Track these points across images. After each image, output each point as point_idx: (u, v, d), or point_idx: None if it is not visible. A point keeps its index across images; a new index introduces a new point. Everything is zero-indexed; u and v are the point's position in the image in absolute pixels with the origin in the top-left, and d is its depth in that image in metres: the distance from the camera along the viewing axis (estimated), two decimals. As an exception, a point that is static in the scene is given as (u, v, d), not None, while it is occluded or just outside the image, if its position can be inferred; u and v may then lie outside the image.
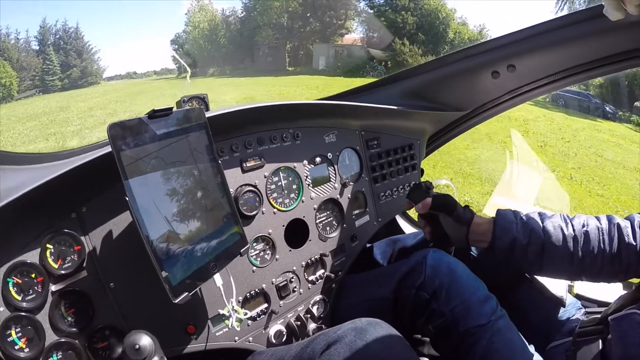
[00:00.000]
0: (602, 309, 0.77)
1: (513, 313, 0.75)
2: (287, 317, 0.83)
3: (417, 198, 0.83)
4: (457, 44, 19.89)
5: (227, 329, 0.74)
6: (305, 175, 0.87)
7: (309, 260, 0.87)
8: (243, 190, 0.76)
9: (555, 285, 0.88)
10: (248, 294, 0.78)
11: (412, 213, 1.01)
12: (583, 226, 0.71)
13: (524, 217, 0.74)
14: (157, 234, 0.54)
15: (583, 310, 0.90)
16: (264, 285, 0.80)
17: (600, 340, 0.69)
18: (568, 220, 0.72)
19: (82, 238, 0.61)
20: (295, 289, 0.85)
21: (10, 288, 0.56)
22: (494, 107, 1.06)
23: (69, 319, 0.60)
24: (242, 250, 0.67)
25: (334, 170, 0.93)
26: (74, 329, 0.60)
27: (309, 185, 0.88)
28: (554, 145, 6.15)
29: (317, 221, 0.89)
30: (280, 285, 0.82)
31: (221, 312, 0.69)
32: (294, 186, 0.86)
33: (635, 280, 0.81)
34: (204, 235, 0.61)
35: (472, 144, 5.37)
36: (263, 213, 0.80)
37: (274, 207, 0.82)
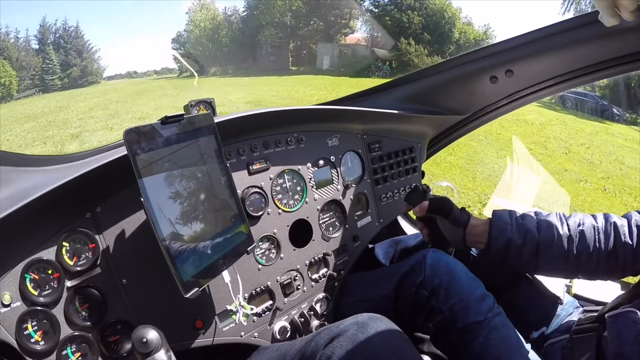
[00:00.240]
0: (599, 308, 0.78)
1: (511, 311, 0.76)
2: (291, 314, 0.86)
3: (414, 201, 0.86)
4: (462, 44, 19.66)
5: (233, 325, 0.76)
6: (309, 177, 0.90)
7: (312, 259, 0.90)
8: (249, 191, 0.79)
9: (553, 284, 0.89)
10: (254, 291, 0.81)
11: (413, 214, 1.04)
12: (579, 225, 0.71)
13: (519, 218, 0.76)
14: (169, 233, 0.57)
15: (581, 309, 0.91)
16: (269, 283, 0.82)
17: (595, 338, 0.70)
18: (564, 220, 0.73)
19: (97, 237, 0.64)
20: (299, 287, 0.88)
21: (28, 283, 0.59)
22: (493, 111, 1.08)
23: (83, 313, 0.63)
24: (249, 249, 0.70)
25: (337, 172, 0.96)
26: (87, 323, 0.63)
27: (312, 187, 0.91)
28: (577, 152, 6.08)
29: (321, 222, 0.92)
30: (285, 283, 0.85)
31: (229, 307, 0.72)
32: (298, 188, 0.89)
33: (631, 280, 0.83)
34: (213, 234, 0.64)
35: (500, 152, 5.20)
36: (268, 213, 0.83)
37: (279, 208, 0.85)
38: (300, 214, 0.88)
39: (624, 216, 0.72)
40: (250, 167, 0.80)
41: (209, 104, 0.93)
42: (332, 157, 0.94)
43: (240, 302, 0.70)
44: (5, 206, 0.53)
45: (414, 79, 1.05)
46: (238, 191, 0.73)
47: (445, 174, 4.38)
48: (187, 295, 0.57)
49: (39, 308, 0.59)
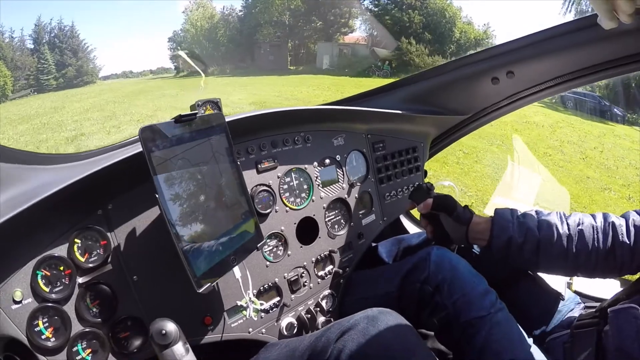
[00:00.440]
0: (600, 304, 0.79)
1: (513, 306, 0.78)
2: (297, 310, 0.87)
3: (418, 199, 0.88)
4: (463, 44, 19.60)
5: (242, 321, 0.77)
6: (316, 176, 0.91)
7: (318, 257, 0.91)
8: (258, 189, 0.80)
9: (555, 281, 0.91)
10: (262, 288, 0.82)
11: (416, 213, 1.06)
12: (578, 224, 0.73)
13: (520, 216, 0.77)
14: (183, 229, 0.58)
15: (582, 304, 0.92)
16: (276, 280, 0.84)
17: (596, 333, 0.71)
18: (564, 219, 0.75)
19: (108, 233, 0.65)
20: (305, 284, 0.89)
21: (39, 280, 0.59)
22: (494, 112, 1.11)
23: (94, 309, 0.64)
24: (258, 245, 0.71)
25: (342, 171, 0.97)
26: (98, 320, 0.63)
27: (318, 185, 0.92)
28: (592, 156, 6.00)
29: (326, 219, 0.93)
30: (292, 279, 0.86)
31: (239, 303, 0.73)
32: (305, 186, 0.90)
33: (630, 277, 0.85)
34: (224, 230, 0.65)
35: None
36: (276, 211, 0.84)
37: (287, 206, 0.86)
38: (307, 211, 0.89)
39: (622, 216, 0.73)
40: (259, 166, 0.81)
41: (216, 104, 0.94)
42: (337, 156, 0.96)
43: (250, 298, 0.71)
44: (17, 203, 0.53)
45: (417, 80, 1.07)
46: (247, 189, 0.74)
47: (477, 184, 4.24)
48: (200, 291, 0.58)
49: (50, 305, 0.59)
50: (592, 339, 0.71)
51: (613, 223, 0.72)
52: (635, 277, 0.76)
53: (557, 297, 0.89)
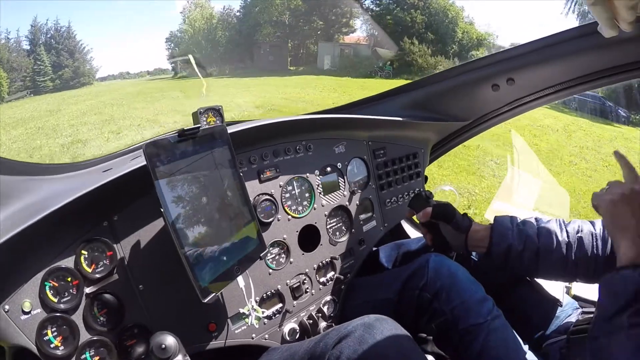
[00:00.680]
0: None
1: (512, 313, 0.79)
2: (300, 316, 0.89)
3: (417, 207, 0.88)
4: (465, 44, 19.32)
5: (245, 327, 0.79)
6: (317, 184, 0.93)
7: (320, 263, 0.93)
8: (261, 199, 0.81)
9: (553, 286, 0.92)
10: (264, 295, 0.83)
11: (417, 219, 1.07)
12: (577, 232, 0.74)
13: (520, 224, 0.78)
14: (188, 241, 0.59)
15: (580, 310, 0.93)
16: (279, 287, 0.85)
17: None
18: (563, 226, 0.76)
19: (114, 244, 0.66)
20: (307, 290, 0.90)
21: (47, 291, 0.61)
22: (494, 118, 1.11)
23: (102, 318, 0.65)
24: (261, 255, 0.73)
25: (343, 179, 0.98)
26: (105, 328, 0.65)
27: (320, 193, 0.93)
28: (614, 164, 5.71)
29: (328, 227, 0.95)
30: (294, 286, 0.87)
31: (242, 310, 0.74)
32: (307, 194, 0.91)
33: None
34: (228, 241, 0.66)
35: (552, 168, 4.92)
36: (279, 220, 0.85)
37: (289, 214, 0.87)
38: (309, 219, 0.90)
39: None
40: (261, 175, 0.83)
41: (217, 111, 0.95)
42: (338, 164, 0.97)
43: (252, 306, 0.73)
44: (25, 217, 0.54)
45: (417, 87, 1.08)
46: (250, 198, 0.75)
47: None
48: (205, 301, 0.59)
49: (58, 314, 0.61)
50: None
51: None
52: None
53: (555, 303, 0.90)
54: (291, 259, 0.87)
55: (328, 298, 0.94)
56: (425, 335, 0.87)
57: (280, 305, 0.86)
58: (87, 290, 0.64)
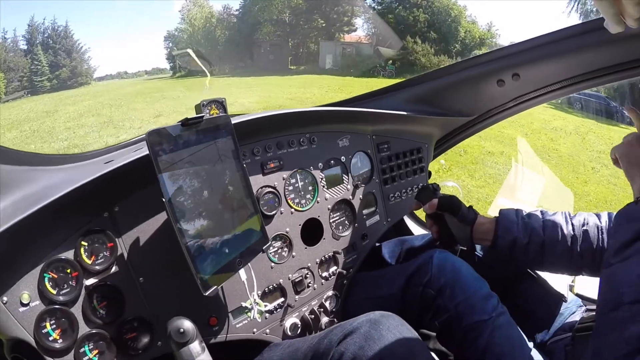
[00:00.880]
0: None
1: (516, 310, 0.78)
2: (301, 311, 0.88)
3: (424, 199, 0.88)
4: (468, 43, 19.22)
5: (246, 321, 0.78)
6: (320, 177, 0.92)
7: (322, 258, 0.92)
8: (264, 191, 0.80)
9: (557, 283, 0.91)
10: (266, 289, 0.82)
11: (420, 214, 1.06)
12: (583, 225, 0.74)
13: (525, 217, 0.78)
14: (190, 233, 0.58)
15: (584, 308, 0.93)
16: (281, 281, 0.84)
17: None
18: (569, 219, 0.75)
19: (114, 236, 0.65)
20: (309, 285, 0.89)
21: (46, 283, 0.59)
22: (499, 114, 1.11)
23: (101, 311, 0.64)
24: (264, 247, 0.72)
25: (347, 172, 0.97)
26: (105, 321, 0.63)
27: (323, 186, 0.92)
28: None
29: (331, 220, 0.94)
30: (296, 280, 0.86)
31: (244, 304, 0.73)
32: (310, 188, 0.90)
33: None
34: (230, 233, 0.65)
35: (578, 176, 4.87)
36: (281, 213, 0.84)
37: (292, 207, 0.86)
38: (312, 213, 0.89)
39: None
40: (265, 168, 0.82)
41: (221, 104, 0.94)
42: (342, 157, 0.96)
43: (255, 299, 0.72)
44: (25, 206, 0.53)
45: (422, 81, 1.07)
46: (253, 190, 0.74)
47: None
48: (207, 293, 0.58)
49: (57, 307, 0.59)
50: None
51: None
52: None
53: (560, 299, 0.90)
54: (293, 253, 0.86)
55: (330, 293, 0.93)
56: (428, 331, 0.87)
57: (282, 299, 0.85)
58: (87, 282, 0.63)
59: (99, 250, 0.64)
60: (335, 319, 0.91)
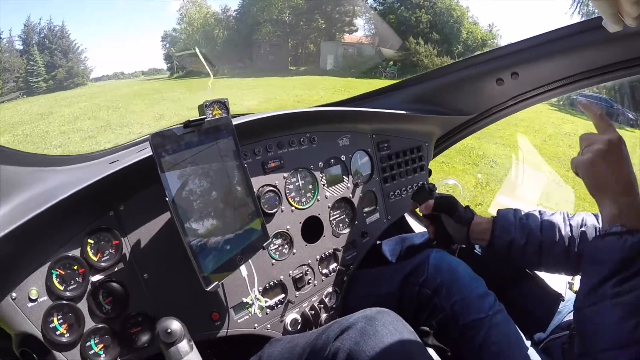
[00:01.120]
0: None
1: (513, 308, 0.78)
2: (302, 307, 0.89)
3: (420, 199, 0.89)
4: (470, 44, 19.07)
5: (247, 317, 0.79)
6: (321, 176, 0.93)
7: (323, 255, 0.93)
8: (265, 190, 0.82)
9: (555, 281, 0.92)
10: (267, 285, 0.83)
11: (420, 212, 1.06)
12: (581, 226, 0.73)
13: (523, 217, 0.77)
14: (192, 230, 0.59)
15: None
16: (281, 277, 0.85)
17: None
18: (567, 220, 0.75)
19: (120, 234, 0.66)
20: (310, 281, 0.91)
21: (54, 279, 0.61)
22: (498, 112, 1.11)
23: (107, 306, 0.66)
24: (264, 245, 0.73)
25: (347, 171, 0.98)
26: (110, 316, 0.65)
27: (324, 185, 0.93)
28: None
29: (331, 218, 0.95)
30: (297, 277, 0.88)
31: (245, 300, 0.75)
32: (310, 186, 0.91)
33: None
34: (231, 230, 0.66)
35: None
36: (282, 211, 0.86)
37: (292, 206, 0.87)
38: (312, 211, 0.91)
39: None
40: (266, 167, 0.83)
41: (223, 104, 0.95)
42: (342, 156, 0.97)
43: (255, 295, 0.73)
44: (32, 207, 0.55)
45: (422, 80, 1.07)
46: (254, 189, 0.75)
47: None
48: (208, 289, 0.60)
49: (64, 302, 0.61)
50: None
51: None
52: None
53: (558, 298, 0.90)
54: (294, 250, 0.88)
55: (330, 289, 0.94)
56: (424, 328, 0.88)
57: (283, 295, 0.86)
58: (93, 278, 0.65)
59: (105, 247, 0.66)
60: (335, 315, 0.92)
